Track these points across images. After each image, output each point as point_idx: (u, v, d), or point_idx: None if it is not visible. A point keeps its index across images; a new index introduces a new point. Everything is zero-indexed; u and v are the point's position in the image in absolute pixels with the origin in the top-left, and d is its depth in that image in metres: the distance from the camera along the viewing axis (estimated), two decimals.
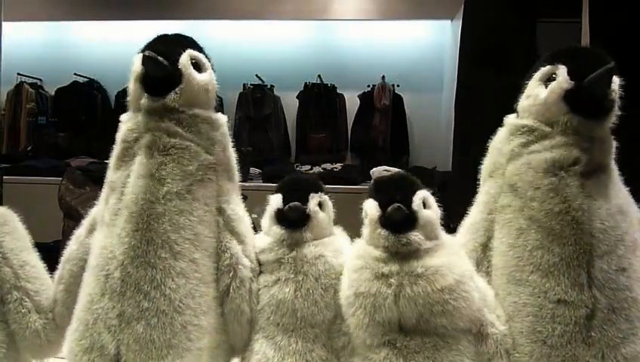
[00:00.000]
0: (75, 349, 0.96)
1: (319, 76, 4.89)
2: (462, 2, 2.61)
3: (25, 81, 4.98)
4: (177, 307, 0.95)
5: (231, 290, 1.02)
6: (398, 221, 0.94)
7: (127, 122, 1.04)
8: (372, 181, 1.04)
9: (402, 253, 0.95)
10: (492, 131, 1.09)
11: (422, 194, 0.98)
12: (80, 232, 1.10)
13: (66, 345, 1.00)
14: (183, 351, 0.95)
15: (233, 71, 4.66)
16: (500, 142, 1.05)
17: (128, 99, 1.06)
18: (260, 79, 4.89)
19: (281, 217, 1.04)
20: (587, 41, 2.16)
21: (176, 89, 1.00)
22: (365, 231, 1.00)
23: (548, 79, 0.99)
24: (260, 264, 1.06)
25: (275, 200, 1.06)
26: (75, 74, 4.96)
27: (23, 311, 1.05)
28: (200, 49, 1.07)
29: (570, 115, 0.96)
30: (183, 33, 1.09)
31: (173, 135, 1.00)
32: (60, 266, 1.10)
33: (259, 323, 1.03)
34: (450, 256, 0.96)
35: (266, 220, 1.08)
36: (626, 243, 0.96)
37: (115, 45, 5.00)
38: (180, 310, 0.95)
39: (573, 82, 0.95)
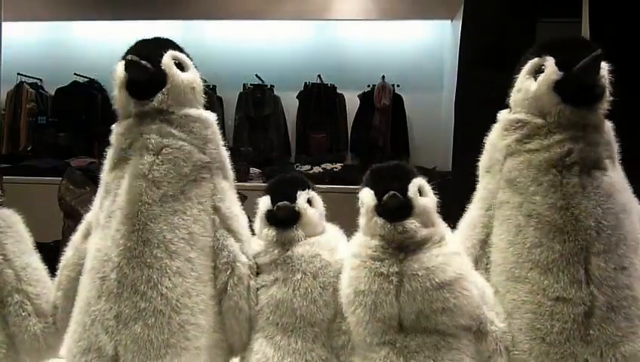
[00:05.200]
0: (73, 351, 0.97)
1: (319, 76, 4.89)
2: (462, 2, 2.61)
3: (25, 81, 4.97)
4: (174, 306, 0.95)
5: (229, 288, 1.02)
6: (394, 208, 0.94)
7: (118, 128, 1.05)
8: (368, 171, 1.04)
9: (399, 242, 0.94)
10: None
11: (418, 182, 0.97)
12: (76, 238, 1.11)
13: (65, 346, 1.01)
14: (180, 350, 0.95)
15: (233, 71, 4.67)
16: (496, 138, 1.05)
17: (115, 107, 1.06)
18: (260, 79, 4.89)
19: (271, 218, 1.04)
20: None
21: (163, 90, 1.00)
22: (362, 220, 1.00)
23: (537, 71, 0.99)
24: (257, 266, 1.06)
25: (264, 202, 1.06)
26: (75, 74, 4.95)
27: (23, 314, 1.05)
28: (180, 49, 1.08)
29: (562, 105, 0.96)
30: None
31: (165, 135, 1.00)
32: (58, 272, 1.10)
33: (258, 324, 1.04)
34: (450, 253, 0.96)
35: (257, 223, 1.08)
36: (627, 242, 0.96)
37: (115, 45, 4.98)
38: (177, 309, 0.95)
39: (561, 72, 0.95)
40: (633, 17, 1.97)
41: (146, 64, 0.98)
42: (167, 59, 1.02)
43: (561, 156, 0.96)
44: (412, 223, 0.94)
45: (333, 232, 1.10)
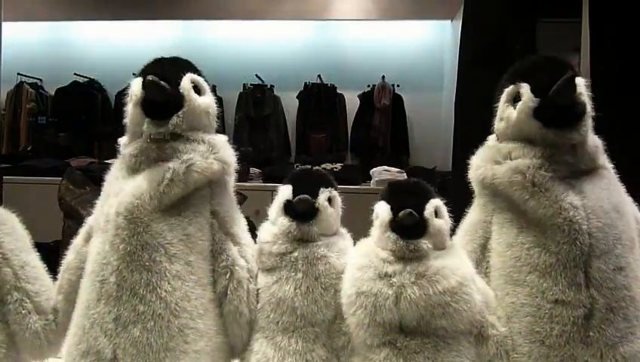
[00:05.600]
0: (72, 353, 0.97)
1: (319, 76, 4.89)
2: (462, 2, 2.61)
3: (25, 81, 4.97)
4: (173, 310, 0.95)
5: (228, 292, 1.02)
6: (409, 226, 0.94)
7: (128, 147, 1.03)
8: (387, 184, 1.04)
9: (409, 259, 0.94)
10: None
11: (435, 203, 0.98)
12: (77, 241, 1.11)
13: (64, 349, 1.01)
14: (180, 353, 0.95)
15: (233, 71, 4.67)
16: (484, 161, 1.04)
17: (126, 121, 1.05)
18: (260, 79, 4.89)
19: (289, 208, 1.03)
20: (587, 41, 2.16)
21: (179, 113, 1.00)
22: (374, 232, 1.00)
23: (514, 99, 1.00)
24: (261, 254, 1.05)
25: (285, 191, 1.05)
26: (75, 74, 4.95)
27: (23, 311, 1.05)
28: (198, 72, 1.07)
29: (544, 129, 0.97)
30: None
31: (173, 157, 0.99)
32: (59, 276, 1.11)
33: (259, 323, 1.03)
34: (453, 258, 0.96)
35: (274, 210, 1.07)
36: (623, 242, 0.96)
37: (115, 45, 5.02)
38: (177, 313, 0.95)
39: (537, 99, 0.96)
40: (633, 17, 1.97)
41: (164, 85, 0.97)
42: (186, 82, 1.01)
43: (550, 165, 0.96)
44: (425, 243, 0.95)
45: (344, 236, 1.10)
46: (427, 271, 0.93)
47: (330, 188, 1.07)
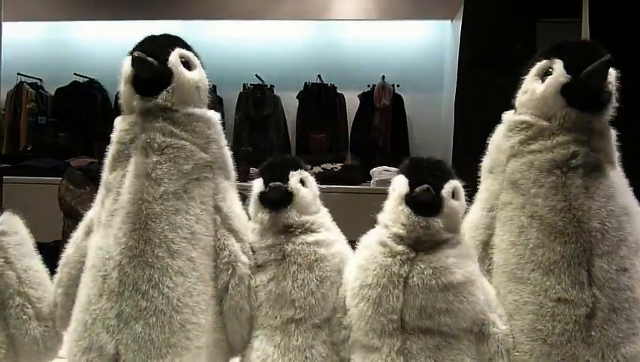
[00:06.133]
0: (74, 349, 0.97)
1: (319, 76, 4.89)
2: (462, 2, 2.61)
3: (25, 81, 4.97)
4: (176, 306, 0.95)
5: (230, 288, 1.02)
6: (424, 202, 0.93)
7: (121, 123, 1.04)
8: (407, 159, 1.03)
9: (418, 237, 0.94)
10: (492, 131, 1.09)
11: (454, 184, 0.97)
12: (77, 235, 1.11)
13: (66, 345, 1.01)
14: (181, 349, 0.95)
15: (233, 71, 4.66)
16: (499, 139, 1.05)
17: (120, 101, 1.06)
18: (260, 79, 4.88)
19: (264, 199, 1.03)
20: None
21: (168, 88, 1.00)
22: (388, 205, 0.99)
23: (545, 73, 0.99)
24: (253, 252, 1.06)
25: (257, 185, 1.06)
26: (75, 74, 4.95)
27: (23, 317, 1.05)
28: (188, 47, 1.07)
29: (568, 108, 0.96)
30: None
31: (168, 134, 1.00)
32: (58, 270, 1.10)
33: (258, 320, 1.04)
34: (463, 256, 0.96)
35: (251, 206, 1.07)
36: (628, 243, 0.96)
37: (115, 45, 4.97)
38: (179, 309, 0.95)
39: (569, 76, 0.95)
40: (633, 17, 1.97)
41: (152, 61, 0.98)
42: (174, 57, 1.02)
43: (565, 158, 0.96)
44: (437, 222, 0.94)
45: (325, 216, 1.10)
46: (434, 263, 0.92)
47: (299, 170, 1.07)
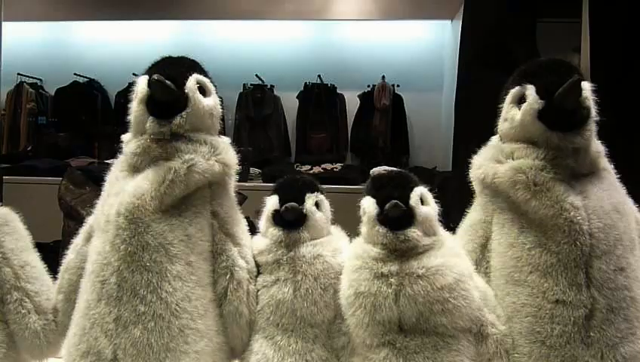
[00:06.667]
0: (72, 354, 0.97)
1: (319, 76, 4.89)
2: (462, 2, 2.61)
3: (25, 81, 4.97)
4: (174, 310, 0.95)
5: (228, 292, 1.02)
6: (396, 218, 0.94)
7: (130, 143, 1.03)
8: (369, 178, 1.04)
9: (401, 250, 0.94)
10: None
11: (419, 191, 0.98)
12: (77, 241, 1.11)
13: (64, 350, 1.01)
14: (180, 354, 0.95)
15: (233, 71, 4.67)
16: (486, 160, 1.04)
17: (130, 118, 1.04)
18: (260, 79, 4.89)
19: (278, 218, 1.04)
20: (587, 41, 2.16)
21: (183, 113, 0.99)
22: (363, 228, 1.00)
23: (519, 100, 1.00)
24: (258, 266, 1.06)
25: (272, 202, 1.06)
26: (75, 74, 4.96)
27: (22, 311, 1.05)
28: (205, 73, 1.07)
29: (549, 132, 0.96)
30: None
31: (175, 157, 0.99)
32: (59, 276, 1.11)
33: (258, 324, 1.04)
34: (451, 255, 0.96)
35: (263, 222, 1.08)
36: (624, 242, 0.96)
37: (115, 45, 5.02)
38: (177, 313, 0.95)
39: (542, 101, 0.95)
40: (633, 17, 1.97)
41: (170, 85, 0.97)
42: (192, 82, 1.01)
43: (553, 167, 0.96)
44: (414, 232, 0.94)
45: (337, 235, 1.10)
46: (426, 270, 0.93)
47: (316, 193, 1.07)
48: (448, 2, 4.39)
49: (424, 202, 0.98)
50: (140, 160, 1.01)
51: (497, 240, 1.02)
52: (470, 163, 1.08)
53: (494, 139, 1.08)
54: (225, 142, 1.07)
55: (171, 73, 0.99)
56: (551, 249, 0.95)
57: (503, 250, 1.01)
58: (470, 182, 1.09)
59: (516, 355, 0.96)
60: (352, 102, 4.91)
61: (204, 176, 0.99)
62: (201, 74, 1.05)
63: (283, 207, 1.02)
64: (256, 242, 1.08)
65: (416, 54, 4.92)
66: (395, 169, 1.03)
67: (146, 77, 0.99)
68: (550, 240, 0.95)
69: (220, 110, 1.09)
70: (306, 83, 4.90)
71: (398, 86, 4.84)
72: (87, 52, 5.08)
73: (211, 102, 1.05)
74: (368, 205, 0.98)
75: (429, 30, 4.91)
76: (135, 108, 1.02)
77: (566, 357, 0.93)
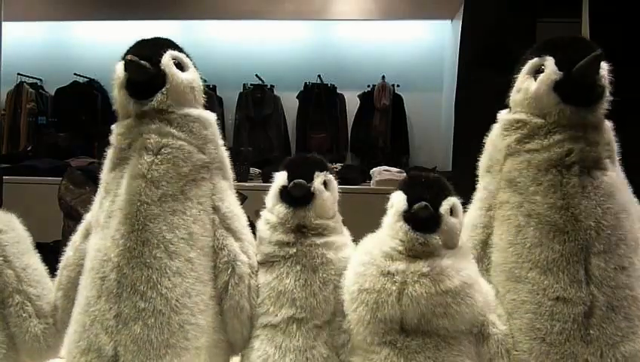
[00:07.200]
0: (73, 351, 0.97)
1: (319, 76, 4.89)
2: (462, 2, 2.61)
3: (25, 81, 4.98)
4: (174, 306, 0.95)
5: (229, 287, 1.02)
6: (423, 219, 0.93)
7: (118, 128, 1.05)
8: (406, 175, 1.04)
9: (415, 252, 0.94)
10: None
11: (452, 201, 0.97)
12: (75, 238, 1.10)
13: (65, 347, 1.01)
14: (180, 350, 0.95)
15: (233, 71, 4.68)
16: (496, 138, 1.05)
17: (115, 107, 1.06)
18: (260, 79, 4.89)
19: (285, 194, 1.03)
20: None
21: (162, 90, 1.00)
22: (386, 221, 0.99)
23: (536, 71, 0.99)
24: (260, 242, 1.05)
25: (280, 178, 1.05)
26: (75, 74, 4.96)
27: (23, 315, 1.05)
28: (180, 49, 1.07)
29: (562, 105, 0.96)
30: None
31: (164, 135, 1.00)
32: (58, 273, 1.10)
33: (259, 320, 1.03)
34: (458, 258, 0.96)
35: (270, 198, 1.07)
36: (627, 242, 0.96)
37: (115, 45, 4.99)
38: (177, 309, 0.95)
39: (561, 72, 0.95)
40: (633, 17, 1.97)
41: (145, 64, 0.98)
42: (167, 59, 1.01)
43: (561, 156, 0.96)
44: (435, 239, 0.94)
45: (340, 225, 1.09)
46: (431, 270, 0.92)
47: (325, 172, 1.06)
48: (448, 2, 4.39)
49: (453, 213, 0.97)
50: (128, 141, 1.01)
51: (498, 236, 1.02)
52: (469, 163, 1.08)
53: (503, 112, 1.07)
54: (209, 116, 1.07)
55: (145, 53, 1.00)
56: (552, 246, 0.95)
57: (503, 247, 1.00)
58: (470, 182, 1.09)
59: (516, 352, 0.96)
60: (352, 102, 4.92)
61: (188, 146, 1.00)
62: (175, 50, 1.05)
63: (291, 184, 1.01)
64: (262, 217, 1.07)
65: (416, 54, 4.93)
66: (434, 174, 1.03)
67: (122, 62, 1.00)
68: (551, 237, 0.95)
69: (201, 83, 1.09)
70: (306, 83, 4.91)
71: (398, 86, 4.85)
72: (87, 52, 5.08)
73: (190, 76, 1.05)
74: (398, 200, 0.97)
75: (429, 30, 4.92)
76: (117, 94, 1.04)
77: (566, 354, 0.93)
